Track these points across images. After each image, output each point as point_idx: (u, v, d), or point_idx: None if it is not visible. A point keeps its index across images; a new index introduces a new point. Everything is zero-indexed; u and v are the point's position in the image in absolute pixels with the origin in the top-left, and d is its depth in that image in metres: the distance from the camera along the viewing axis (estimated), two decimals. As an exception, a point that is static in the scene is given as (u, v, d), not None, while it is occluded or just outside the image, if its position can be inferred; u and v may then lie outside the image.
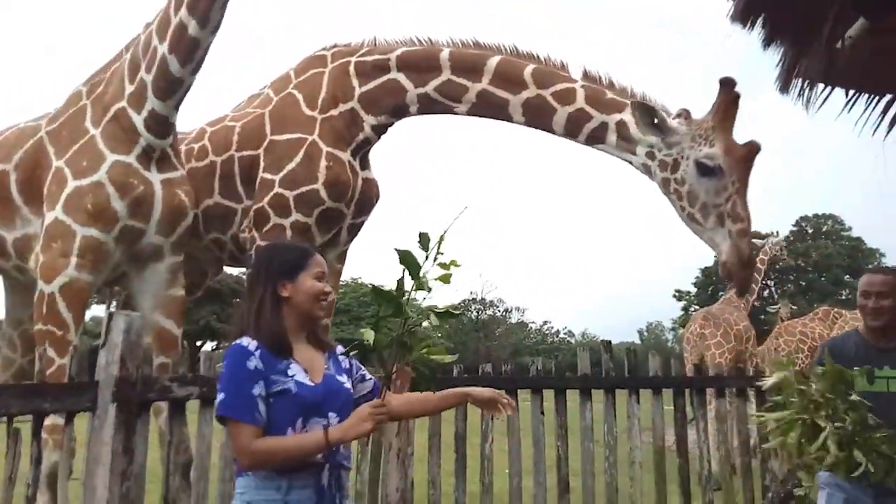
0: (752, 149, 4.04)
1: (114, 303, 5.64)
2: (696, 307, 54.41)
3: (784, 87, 3.48)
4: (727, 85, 4.02)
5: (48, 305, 3.67)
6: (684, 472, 4.56)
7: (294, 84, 4.67)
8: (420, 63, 4.49)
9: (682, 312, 56.74)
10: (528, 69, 4.34)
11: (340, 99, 4.56)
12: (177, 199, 3.96)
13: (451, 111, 4.53)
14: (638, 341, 78.51)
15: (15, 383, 4.34)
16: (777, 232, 12.01)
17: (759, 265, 10.79)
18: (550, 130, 4.38)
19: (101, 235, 3.73)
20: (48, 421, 3.15)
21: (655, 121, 4.10)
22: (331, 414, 2.06)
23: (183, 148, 4.59)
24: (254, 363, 1.99)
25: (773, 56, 3.34)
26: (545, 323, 72.39)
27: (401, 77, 4.50)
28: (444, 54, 4.43)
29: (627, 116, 4.20)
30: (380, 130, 4.66)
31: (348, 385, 2.19)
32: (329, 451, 2.00)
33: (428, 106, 4.53)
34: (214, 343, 34.91)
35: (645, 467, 4.50)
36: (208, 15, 3.68)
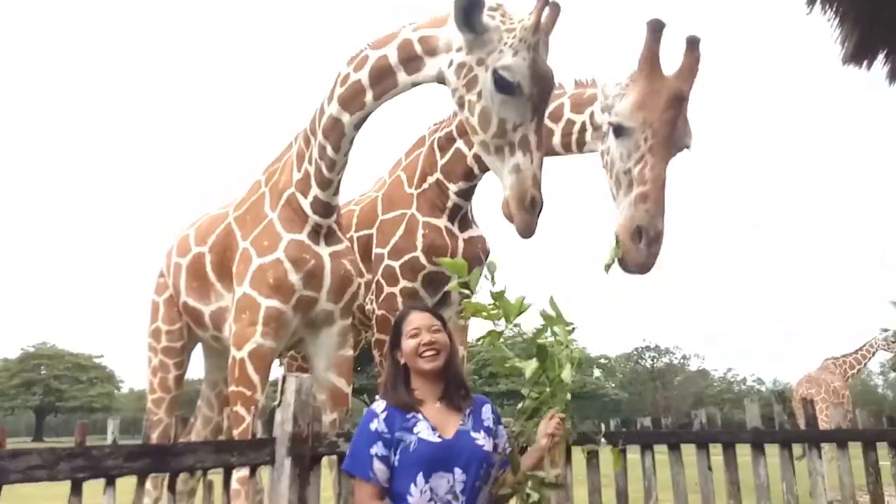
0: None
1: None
2: (911, 348, 48.00)
3: None
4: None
5: (239, 369, 4.13)
6: (885, 536, 4.07)
7: (402, 166, 5.28)
8: (466, 127, 4.60)
9: (892, 354, 50.06)
10: None
11: (429, 173, 5.07)
12: (343, 269, 4.34)
13: None
14: (843, 389, 70.54)
15: (208, 440, 4.90)
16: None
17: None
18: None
19: (282, 306, 4.16)
20: (240, 473, 3.54)
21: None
22: (456, 469, 2.18)
23: None
24: (375, 425, 2.21)
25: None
26: (728, 370, 67.63)
27: (461, 144, 4.89)
28: None
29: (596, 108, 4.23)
30: (464, 195, 5.01)
31: (482, 442, 2.27)
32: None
33: (482, 164, 4.68)
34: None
35: (836, 530, 4.08)
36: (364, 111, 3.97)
